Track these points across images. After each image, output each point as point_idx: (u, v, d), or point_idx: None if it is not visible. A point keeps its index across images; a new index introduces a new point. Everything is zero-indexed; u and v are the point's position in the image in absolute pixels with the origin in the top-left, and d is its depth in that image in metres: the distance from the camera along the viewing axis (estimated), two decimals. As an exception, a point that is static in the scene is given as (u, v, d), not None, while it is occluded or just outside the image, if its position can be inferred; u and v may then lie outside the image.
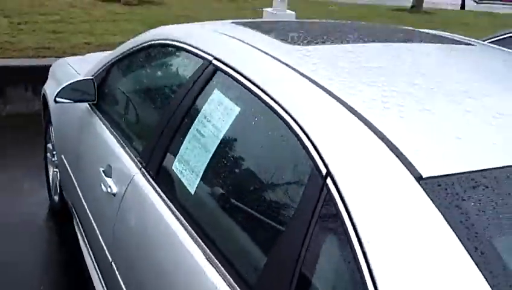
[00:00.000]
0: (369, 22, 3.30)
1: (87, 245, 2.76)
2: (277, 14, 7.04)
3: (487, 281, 1.02)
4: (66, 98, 2.77)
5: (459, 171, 1.24)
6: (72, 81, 2.78)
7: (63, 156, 3.18)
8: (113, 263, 2.18)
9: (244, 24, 2.35)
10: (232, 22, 2.46)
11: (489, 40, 4.27)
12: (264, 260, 1.41)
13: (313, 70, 1.68)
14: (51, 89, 3.47)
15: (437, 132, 1.41)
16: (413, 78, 1.75)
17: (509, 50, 2.46)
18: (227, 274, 1.47)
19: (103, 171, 2.31)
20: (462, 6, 4.38)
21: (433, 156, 1.29)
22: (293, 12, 7.22)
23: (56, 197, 3.65)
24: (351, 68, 1.79)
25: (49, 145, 3.78)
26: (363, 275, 1.11)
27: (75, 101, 2.79)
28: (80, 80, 2.80)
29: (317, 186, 1.31)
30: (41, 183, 3.94)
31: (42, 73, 3.95)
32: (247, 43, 1.97)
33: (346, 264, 1.19)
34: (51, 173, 3.78)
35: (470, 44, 2.35)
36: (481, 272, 1.04)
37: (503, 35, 4.43)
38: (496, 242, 1.13)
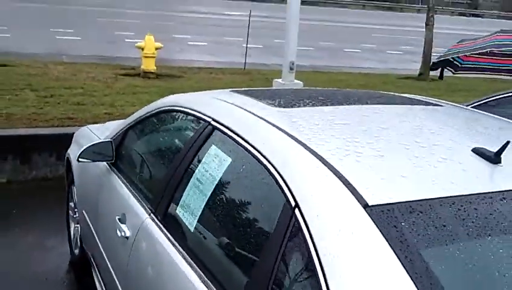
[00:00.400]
0: (374, 90, 3.65)
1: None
2: (285, 84, 7.46)
3: (414, 284, 1.33)
4: (87, 158, 3.15)
5: (398, 201, 1.57)
6: (93, 143, 3.18)
7: (84, 211, 3.54)
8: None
9: (240, 92, 2.75)
10: (230, 90, 2.85)
11: (476, 103, 4.63)
12: (247, 278, 1.73)
13: (291, 126, 2.05)
14: (74, 152, 3.87)
15: (386, 172, 1.76)
16: (375, 132, 2.10)
17: (474, 110, 2.82)
18: None
19: (118, 219, 2.65)
20: (441, 76, 4.80)
21: (379, 189, 1.63)
22: (301, 82, 7.64)
23: (76, 251, 3.98)
24: (323, 125, 2.16)
25: (71, 204, 4.15)
26: (320, 281, 1.43)
27: (95, 161, 3.17)
28: (100, 142, 3.20)
29: (288, 215, 1.65)
30: (63, 240, 4.28)
31: (66, 141, 4.35)
32: (239, 106, 2.36)
33: (307, 270, 1.51)
34: (72, 229, 4.13)
35: (438, 105, 2.72)
36: (409, 274, 1.35)
37: (490, 97, 4.79)
38: (424, 253, 1.44)
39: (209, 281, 1.86)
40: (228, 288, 1.81)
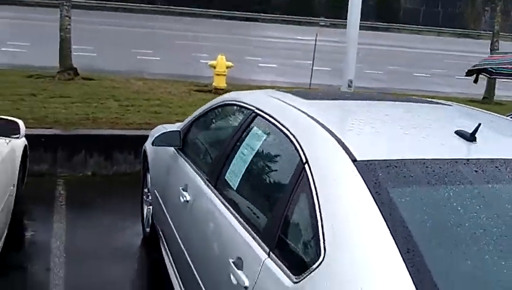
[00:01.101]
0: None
1: (169, 255, 3.75)
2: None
3: (389, 229, 1.84)
4: (159, 144, 3.87)
5: (378, 159, 2.15)
6: (165, 131, 3.90)
7: (155, 191, 4.26)
8: (187, 256, 3.12)
9: (285, 91, 3.39)
10: (277, 90, 3.50)
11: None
12: (269, 216, 2.36)
13: (311, 110, 2.66)
14: (149, 145, 4.62)
15: (377, 141, 2.35)
16: (380, 118, 2.69)
17: (479, 110, 3.31)
18: (248, 228, 2.41)
19: (182, 189, 3.34)
20: (475, 81, 5.08)
21: (366, 151, 2.22)
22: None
23: (148, 229, 4.70)
24: (340, 111, 2.77)
25: (145, 190, 4.88)
26: (317, 220, 2.01)
27: (166, 146, 3.89)
28: (171, 131, 3.92)
29: (300, 168, 2.26)
30: (137, 222, 5.02)
31: (143, 142, 5.08)
32: (277, 98, 3.00)
33: (310, 212, 2.10)
34: (145, 211, 4.86)
35: (448, 105, 3.25)
36: (386, 223, 1.86)
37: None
38: (391, 191, 1.99)
39: (244, 223, 2.48)
40: (259, 227, 2.41)
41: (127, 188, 5.94)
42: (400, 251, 1.75)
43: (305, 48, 20.21)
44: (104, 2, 36.03)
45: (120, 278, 4.25)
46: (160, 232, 4.16)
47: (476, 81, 5.50)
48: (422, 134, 2.48)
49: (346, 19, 6.52)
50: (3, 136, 3.73)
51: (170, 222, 3.62)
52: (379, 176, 2.05)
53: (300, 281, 1.94)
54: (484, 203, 2.06)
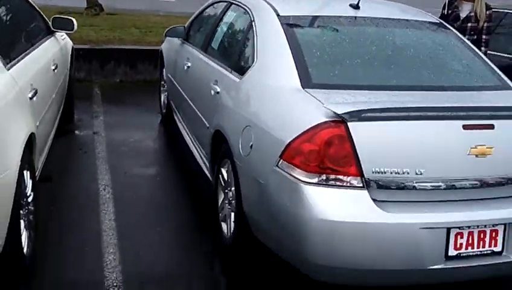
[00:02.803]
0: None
1: (181, 120, 5.32)
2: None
3: (289, 45, 3.39)
4: (170, 36, 5.42)
5: (293, 14, 3.67)
6: (173, 26, 5.44)
7: (169, 74, 5.82)
8: (189, 101, 4.69)
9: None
10: None
11: None
12: (233, 54, 3.93)
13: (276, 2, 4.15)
14: (164, 45, 6.17)
15: (294, 7, 3.86)
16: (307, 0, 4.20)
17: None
18: (222, 64, 3.98)
19: (185, 61, 4.88)
20: None
21: (286, 11, 3.72)
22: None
23: (164, 110, 6.29)
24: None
25: (162, 82, 6.45)
26: (254, 45, 3.57)
27: (175, 36, 5.42)
28: (178, 26, 5.45)
29: (249, 24, 3.80)
30: (157, 109, 6.60)
31: (158, 54, 6.61)
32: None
33: (252, 43, 3.65)
34: (162, 98, 6.43)
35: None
36: (288, 43, 3.44)
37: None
38: (298, 33, 3.52)
39: (220, 62, 4.03)
40: (228, 62, 3.93)
41: (148, 90, 7.52)
42: (292, 53, 3.27)
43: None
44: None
45: (145, 137, 5.87)
46: (173, 105, 5.73)
47: None
48: (328, 5, 3.99)
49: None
50: (63, 30, 5.28)
51: (178, 87, 5.18)
52: (289, 21, 3.57)
53: (243, 77, 3.50)
54: (354, 37, 3.62)
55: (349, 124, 2.65)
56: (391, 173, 2.66)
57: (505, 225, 2.80)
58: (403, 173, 2.67)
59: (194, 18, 5.43)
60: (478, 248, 2.78)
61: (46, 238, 3.58)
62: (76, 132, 5.94)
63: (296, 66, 3.19)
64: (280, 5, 3.81)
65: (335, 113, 2.68)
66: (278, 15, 3.64)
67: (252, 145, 3.08)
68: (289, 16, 3.64)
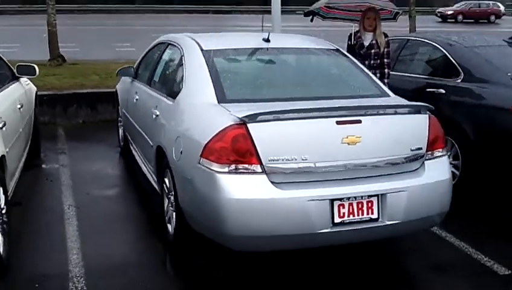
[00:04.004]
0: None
1: (135, 147, 6.10)
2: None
3: (209, 72, 4.25)
4: (122, 75, 6.25)
5: (213, 48, 4.55)
6: (123, 67, 6.27)
7: (123, 110, 6.61)
8: (138, 128, 5.49)
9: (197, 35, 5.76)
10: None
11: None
12: (167, 82, 4.78)
13: (194, 36, 5.03)
14: (118, 85, 7.00)
15: (216, 44, 4.76)
16: (228, 39, 5.10)
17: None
18: (161, 92, 4.82)
19: (134, 95, 5.70)
20: (311, 20, 6.43)
21: (209, 45, 4.60)
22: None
23: (122, 143, 7.07)
24: (208, 37, 5.14)
25: (119, 118, 7.23)
26: (184, 74, 4.43)
27: (126, 75, 6.25)
28: (128, 66, 6.28)
29: (180, 58, 4.67)
30: (116, 144, 7.37)
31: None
32: (190, 37, 5.37)
33: (183, 72, 4.52)
34: (120, 132, 7.20)
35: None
36: (209, 71, 4.26)
37: None
38: (217, 62, 4.39)
39: (159, 91, 4.86)
40: (164, 90, 4.76)
41: (109, 128, 8.28)
42: (211, 78, 4.11)
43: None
44: (86, 5, 38.15)
45: (105, 166, 6.63)
46: (128, 136, 6.51)
47: (311, 20, 6.89)
48: (244, 40, 4.89)
49: None
50: (26, 75, 6.07)
51: (131, 119, 5.98)
52: (210, 54, 4.42)
53: (175, 100, 4.33)
54: (262, 63, 4.52)
55: (248, 125, 3.49)
56: (283, 160, 3.49)
57: (377, 196, 3.63)
58: (292, 159, 3.50)
59: (141, 59, 6.28)
60: (358, 215, 3.60)
61: (19, 244, 4.29)
62: (43, 165, 6.67)
63: (214, 87, 4.03)
64: (204, 42, 4.67)
65: (238, 117, 3.52)
66: (201, 49, 4.49)
67: (181, 151, 3.89)
68: (210, 49, 4.50)
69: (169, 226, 4.37)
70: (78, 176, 6.15)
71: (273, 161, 3.49)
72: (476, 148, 5.30)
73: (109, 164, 6.80)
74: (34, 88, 6.82)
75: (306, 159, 3.52)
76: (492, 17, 40.10)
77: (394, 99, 4.30)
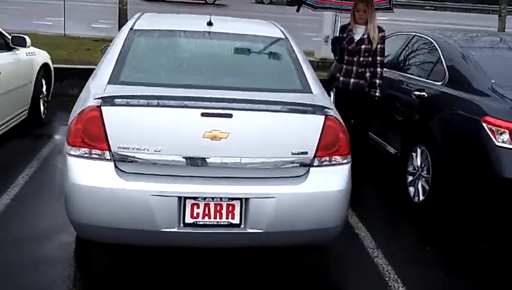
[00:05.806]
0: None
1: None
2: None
3: (121, 49, 4.08)
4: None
5: (149, 28, 4.34)
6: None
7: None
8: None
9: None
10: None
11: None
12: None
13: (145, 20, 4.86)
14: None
15: (153, 25, 4.53)
16: (176, 22, 4.86)
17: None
18: None
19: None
20: (298, 10, 5.72)
21: (141, 26, 4.40)
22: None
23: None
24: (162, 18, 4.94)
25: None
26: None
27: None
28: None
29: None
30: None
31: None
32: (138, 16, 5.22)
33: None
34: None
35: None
36: (122, 47, 4.11)
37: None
38: (139, 40, 4.19)
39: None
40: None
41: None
42: (117, 58, 3.90)
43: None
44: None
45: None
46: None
47: (298, 10, 6.15)
48: (187, 23, 4.61)
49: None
50: (18, 46, 6.26)
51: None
52: (135, 34, 4.16)
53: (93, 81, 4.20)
54: (188, 47, 4.22)
55: (102, 108, 3.27)
56: (133, 149, 3.24)
57: (241, 200, 3.27)
58: (143, 149, 3.24)
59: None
60: (215, 218, 3.28)
61: None
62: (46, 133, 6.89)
63: (114, 67, 3.80)
64: (141, 22, 4.45)
65: (95, 99, 3.31)
66: (131, 29, 4.28)
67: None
68: (140, 29, 4.27)
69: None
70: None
71: (123, 148, 3.25)
72: (445, 161, 4.65)
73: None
74: (41, 60, 7.01)
75: (159, 151, 3.25)
76: None
77: (312, 97, 3.80)
